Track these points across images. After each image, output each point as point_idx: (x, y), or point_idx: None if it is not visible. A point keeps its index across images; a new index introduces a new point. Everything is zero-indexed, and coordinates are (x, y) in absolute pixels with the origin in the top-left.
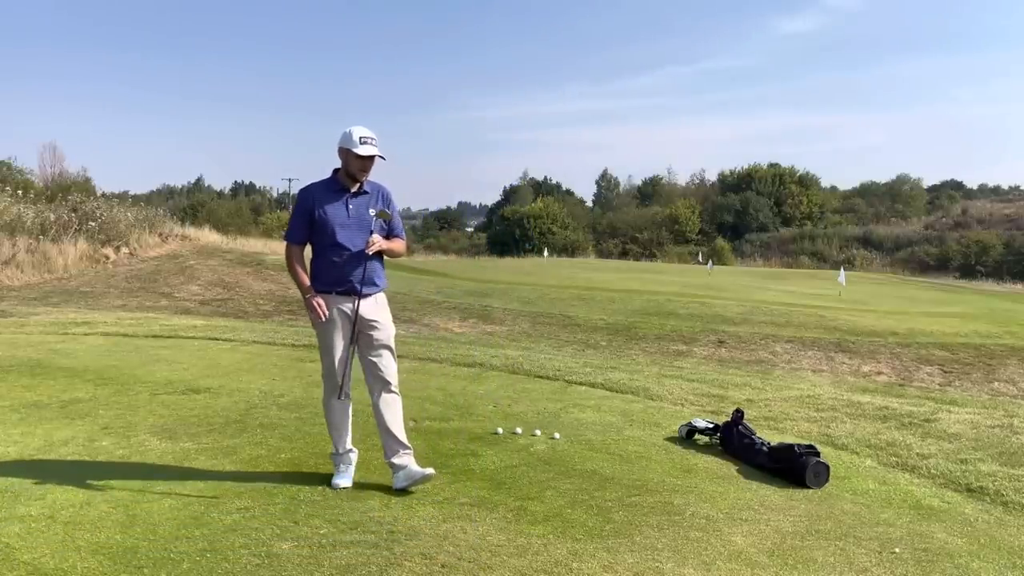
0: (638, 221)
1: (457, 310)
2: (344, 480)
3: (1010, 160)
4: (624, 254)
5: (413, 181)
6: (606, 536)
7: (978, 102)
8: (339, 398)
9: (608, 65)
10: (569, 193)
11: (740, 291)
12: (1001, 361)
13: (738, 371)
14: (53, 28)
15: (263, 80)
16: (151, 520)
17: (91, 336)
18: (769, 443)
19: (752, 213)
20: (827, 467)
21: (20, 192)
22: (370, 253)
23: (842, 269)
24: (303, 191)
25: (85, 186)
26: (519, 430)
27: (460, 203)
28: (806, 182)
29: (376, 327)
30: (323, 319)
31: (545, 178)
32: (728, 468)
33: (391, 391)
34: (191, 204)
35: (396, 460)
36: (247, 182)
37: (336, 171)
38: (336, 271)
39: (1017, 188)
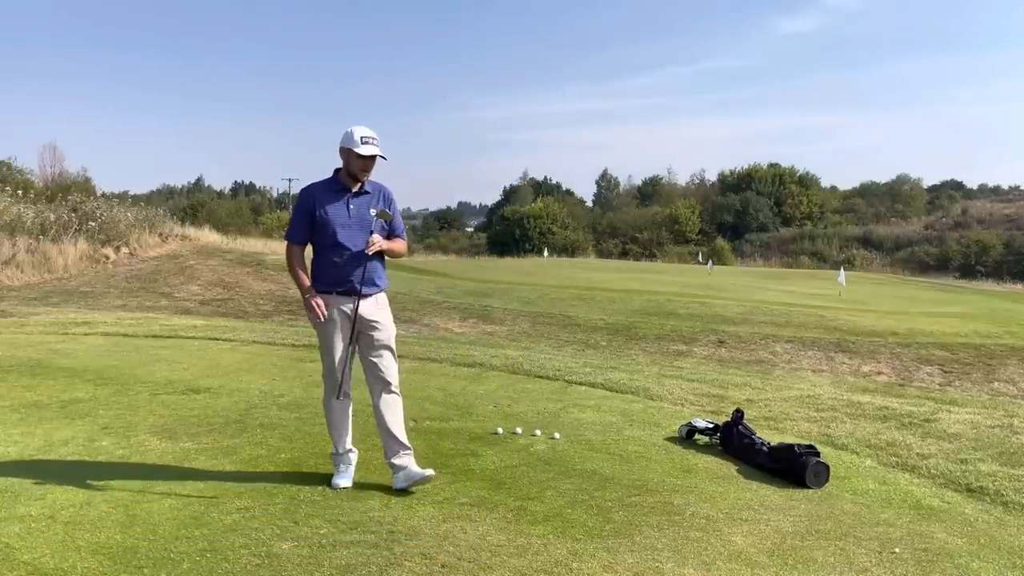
0: (638, 221)
1: (457, 310)
2: (344, 480)
3: (1010, 160)
4: (624, 254)
5: (413, 181)
6: (606, 536)
7: (978, 102)
8: (338, 398)
9: (608, 65)
10: (569, 193)
11: (740, 291)
12: (1001, 361)
13: (738, 371)
14: (53, 28)
15: (263, 80)
16: (151, 520)
17: (91, 336)
18: (769, 443)
19: (752, 213)
20: (827, 467)
21: (20, 192)
22: (370, 253)
23: (842, 269)
24: (304, 191)
25: (85, 186)
26: (519, 430)
27: (460, 203)
28: (806, 182)
29: (377, 327)
30: (322, 319)
31: (545, 178)
32: (728, 468)
33: (391, 391)
34: (191, 204)
35: (396, 460)
36: (247, 182)
37: (337, 171)
38: (336, 271)
39: (1017, 188)
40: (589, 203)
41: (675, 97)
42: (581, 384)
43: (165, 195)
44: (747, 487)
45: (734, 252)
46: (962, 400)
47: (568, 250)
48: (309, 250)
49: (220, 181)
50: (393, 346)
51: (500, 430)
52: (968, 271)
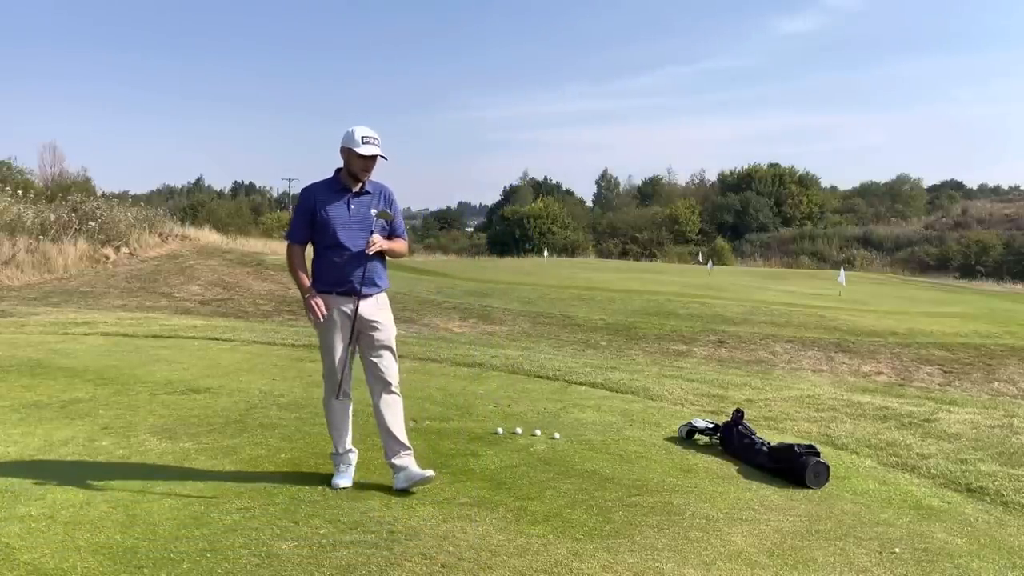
0: (638, 221)
1: (457, 310)
2: (344, 480)
3: (1010, 160)
4: (624, 254)
5: (413, 181)
6: (606, 536)
7: (978, 102)
8: (338, 398)
9: (608, 65)
10: (569, 193)
11: (740, 291)
12: (1001, 361)
13: (738, 371)
14: (53, 28)
15: (263, 80)
16: (151, 520)
17: (91, 336)
18: (769, 443)
19: (752, 213)
20: (827, 467)
21: (20, 192)
22: (370, 253)
23: (842, 269)
24: (305, 191)
25: (85, 186)
26: (519, 430)
27: (460, 203)
28: (806, 182)
29: (377, 328)
30: (321, 320)
31: (545, 178)
32: (728, 468)
33: (392, 392)
34: (191, 204)
35: (396, 461)
36: (247, 182)
37: (338, 171)
38: (337, 271)
39: (1017, 188)
40: (589, 203)
41: (675, 97)
42: (581, 384)
43: (165, 195)
44: (747, 487)
45: (734, 252)
46: (962, 400)
47: (568, 250)
48: (310, 250)
49: (220, 181)
50: (393, 346)
51: (500, 430)
52: (968, 271)
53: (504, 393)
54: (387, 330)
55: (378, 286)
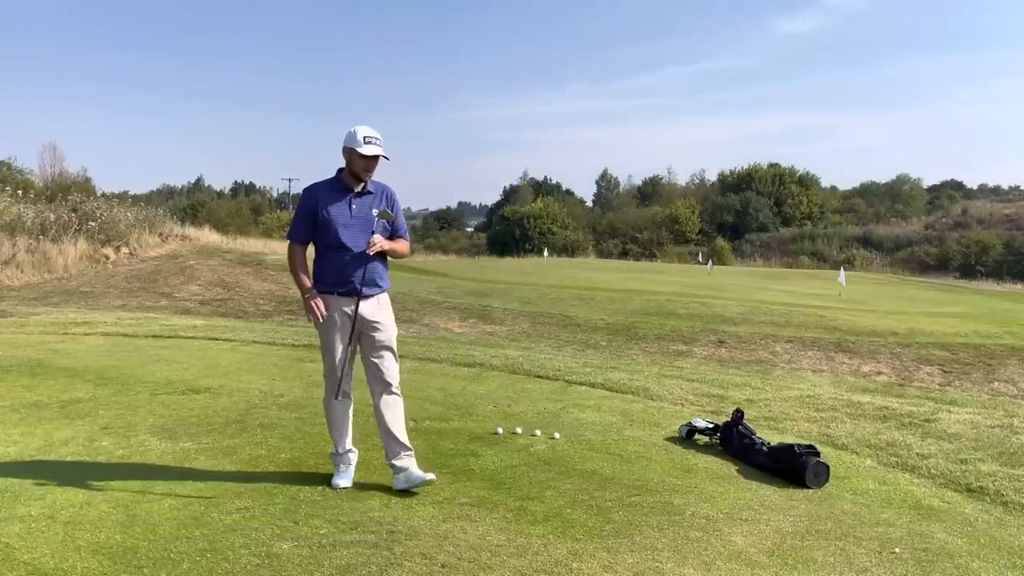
0: (638, 221)
1: (457, 310)
2: (344, 480)
3: (1010, 160)
4: (624, 254)
5: (413, 181)
6: (606, 536)
7: (978, 102)
8: (337, 398)
9: (608, 65)
10: (569, 193)
11: (740, 291)
12: (1001, 361)
13: (738, 371)
14: (53, 28)
15: (263, 80)
16: (151, 520)
17: (91, 336)
18: (769, 443)
19: (752, 213)
20: (827, 467)
21: (20, 192)
22: (371, 254)
23: (842, 269)
24: (307, 190)
25: (85, 186)
26: (519, 430)
27: (460, 203)
28: (806, 182)
29: (378, 328)
30: (320, 321)
31: (545, 178)
32: (728, 468)
33: (392, 392)
34: (191, 204)
35: (397, 462)
36: (247, 182)
37: (340, 171)
38: (338, 272)
39: (1017, 188)
40: (589, 203)
41: (675, 97)
42: (581, 384)
43: (165, 195)
44: (747, 487)
45: (734, 252)
46: (962, 400)
47: (568, 250)
48: (311, 250)
49: (220, 181)
50: (394, 347)
51: (500, 430)
52: (968, 271)
53: (504, 393)
54: (388, 331)
55: (379, 286)
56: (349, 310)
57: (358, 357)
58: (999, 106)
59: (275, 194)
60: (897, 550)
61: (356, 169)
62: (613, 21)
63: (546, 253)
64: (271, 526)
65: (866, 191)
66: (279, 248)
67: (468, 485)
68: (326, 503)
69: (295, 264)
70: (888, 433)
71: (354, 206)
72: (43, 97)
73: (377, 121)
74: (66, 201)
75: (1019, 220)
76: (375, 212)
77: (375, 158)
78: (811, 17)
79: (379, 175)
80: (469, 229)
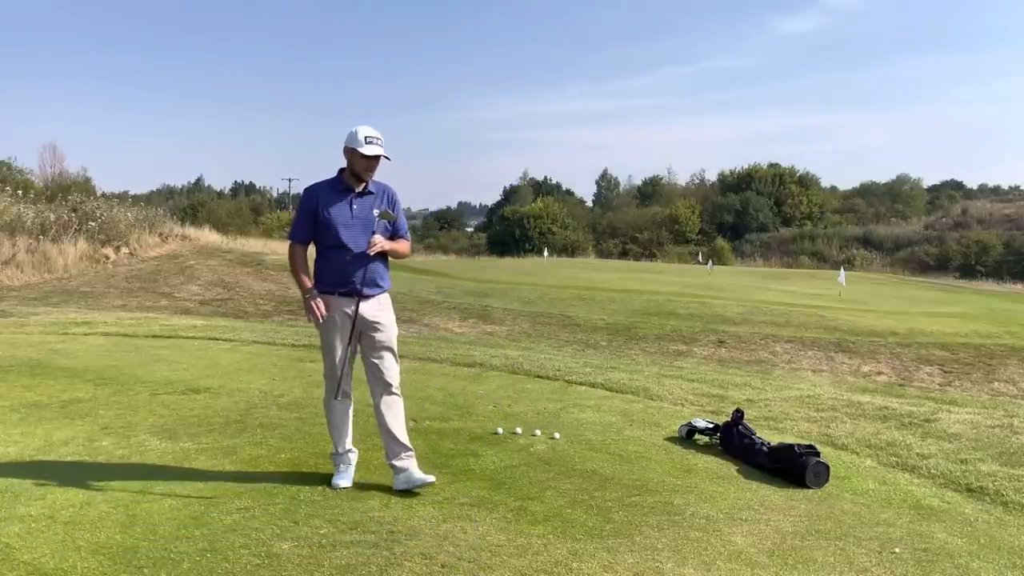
0: (638, 221)
1: (457, 310)
2: (344, 480)
3: (1010, 160)
4: (624, 254)
5: (413, 181)
6: (606, 536)
7: (978, 102)
8: (337, 398)
9: (608, 65)
10: (569, 193)
11: (740, 291)
12: (1001, 361)
13: (738, 371)
14: (53, 28)
15: (263, 80)
16: (151, 520)
17: (91, 336)
18: (769, 443)
19: (752, 213)
20: (827, 467)
21: (20, 192)
22: (371, 254)
23: (842, 269)
24: (308, 190)
25: (85, 186)
26: (519, 430)
27: (460, 203)
28: (806, 182)
29: (378, 328)
30: (320, 321)
31: (545, 178)
32: (728, 468)
33: (392, 393)
34: (191, 204)
35: (397, 463)
36: (247, 182)
37: (342, 171)
38: (338, 272)
39: (1017, 188)
40: (589, 203)
41: (675, 97)
42: (581, 384)
43: (165, 195)
44: (747, 487)
45: (734, 252)
46: (962, 400)
47: (568, 250)
48: (312, 250)
49: (220, 181)
50: (395, 347)
51: (500, 430)
52: (968, 271)
53: (504, 393)
54: (388, 331)
55: (380, 287)
56: (350, 310)
57: (358, 357)
58: (999, 106)
59: (275, 194)
60: (897, 550)
61: (357, 169)
62: (613, 21)
63: (546, 253)
64: (271, 526)
65: (866, 191)
66: (279, 248)
67: (468, 485)
68: (326, 503)
69: (296, 264)
70: (888, 433)
71: (355, 206)
72: (43, 97)
73: (377, 121)
74: (66, 201)
75: (1019, 220)
76: (376, 212)
77: (376, 158)
78: (811, 17)
79: (379, 175)
80: (469, 229)
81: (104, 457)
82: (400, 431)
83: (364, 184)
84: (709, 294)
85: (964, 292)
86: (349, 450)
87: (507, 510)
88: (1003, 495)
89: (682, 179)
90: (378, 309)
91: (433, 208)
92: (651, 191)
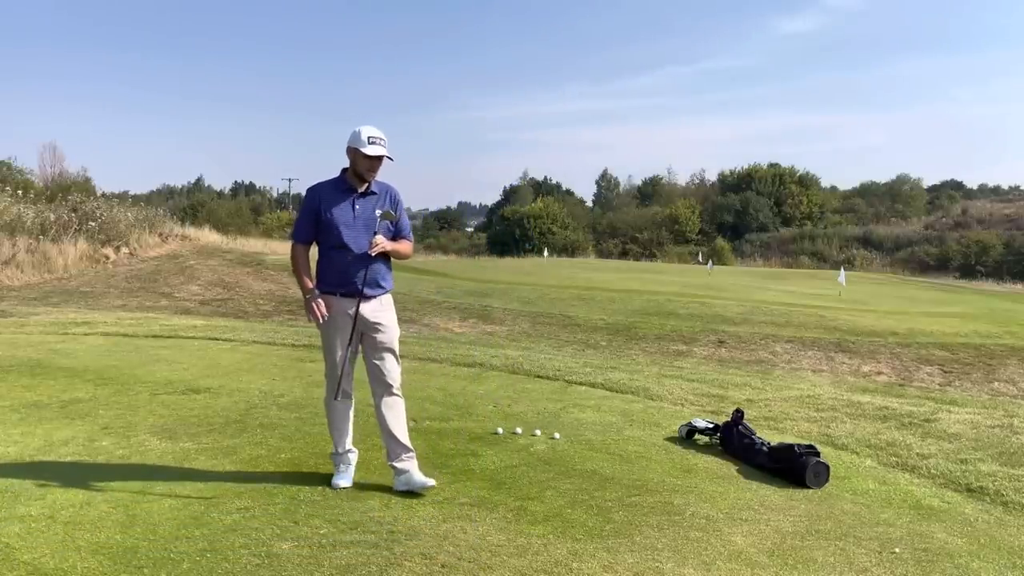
0: (638, 221)
1: (457, 310)
2: (344, 480)
3: (1010, 160)
4: (624, 254)
5: (413, 181)
6: (606, 536)
7: (978, 102)
8: (336, 398)
9: (608, 65)
10: (569, 193)
11: (740, 291)
12: (1001, 361)
13: (738, 371)
14: (53, 28)
15: (263, 80)
16: (151, 520)
17: (91, 336)
18: (769, 443)
19: (752, 213)
20: (827, 467)
21: (20, 192)
22: (373, 254)
23: (842, 269)
24: (310, 190)
25: (85, 186)
26: (519, 430)
27: (460, 203)
28: (806, 182)
29: (380, 329)
30: (320, 321)
31: (545, 178)
32: (728, 468)
33: (393, 394)
34: (191, 204)
35: (398, 464)
36: (247, 182)
37: (344, 171)
38: (340, 272)
39: (1017, 188)
40: (589, 203)
41: (675, 97)
42: (581, 384)
43: (165, 195)
44: (747, 487)
45: (734, 252)
46: (962, 400)
47: (568, 250)
48: (314, 250)
49: (220, 181)
50: (396, 348)
51: (500, 430)
52: (968, 271)
53: (504, 393)
54: (390, 332)
55: (382, 287)
56: (351, 311)
57: (360, 357)
58: (999, 106)
59: (275, 194)
60: (897, 550)
61: (360, 169)
62: (613, 21)
63: (546, 253)
64: (271, 526)
65: (866, 191)
66: (279, 248)
67: (468, 485)
68: (326, 503)
69: (297, 264)
70: (888, 433)
71: (357, 206)
72: (43, 97)
73: (377, 121)
74: (66, 201)
75: (1019, 220)
76: (378, 213)
77: (379, 158)
78: (811, 17)
79: (380, 175)
80: (469, 229)
81: (104, 457)
82: (401, 432)
83: (367, 184)
84: (709, 294)
85: (964, 292)
86: (349, 450)
87: (507, 510)
88: (1003, 495)
89: (682, 179)
90: (379, 310)
91: (433, 208)
92: (651, 191)
